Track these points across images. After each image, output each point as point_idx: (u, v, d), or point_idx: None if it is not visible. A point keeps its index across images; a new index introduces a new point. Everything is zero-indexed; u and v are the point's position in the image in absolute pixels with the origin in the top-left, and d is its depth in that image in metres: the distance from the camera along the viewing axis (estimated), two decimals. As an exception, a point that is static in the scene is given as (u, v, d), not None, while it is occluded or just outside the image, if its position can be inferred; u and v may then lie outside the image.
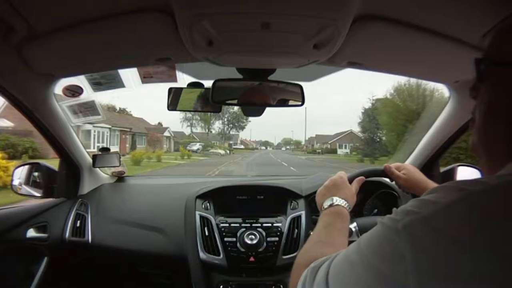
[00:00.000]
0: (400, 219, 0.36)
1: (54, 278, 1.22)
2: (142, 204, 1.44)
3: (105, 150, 1.52)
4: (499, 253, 0.31)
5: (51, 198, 1.33)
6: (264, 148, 53.50)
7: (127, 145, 20.28)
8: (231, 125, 39.85)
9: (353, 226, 1.07)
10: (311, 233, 0.67)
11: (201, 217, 1.26)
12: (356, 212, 1.22)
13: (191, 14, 0.68)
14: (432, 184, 0.84)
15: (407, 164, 0.91)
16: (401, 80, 18.42)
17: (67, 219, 1.29)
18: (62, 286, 1.35)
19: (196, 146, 27.99)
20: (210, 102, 1.02)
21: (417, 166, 1.19)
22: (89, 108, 1.28)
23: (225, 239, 1.21)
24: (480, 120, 0.44)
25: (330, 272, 0.42)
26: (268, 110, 1.09)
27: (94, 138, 16.12)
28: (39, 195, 1.31)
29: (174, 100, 1.12)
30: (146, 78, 1.13)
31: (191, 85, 1.12)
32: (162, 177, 2.20)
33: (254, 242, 1.19)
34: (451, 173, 1.39)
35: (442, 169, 1.42)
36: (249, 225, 1.24)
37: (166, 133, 27.15)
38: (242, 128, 41.01)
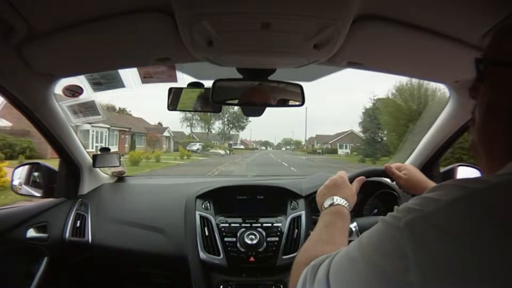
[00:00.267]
0: (402, 217, 0.36)
1: (54, 278, 1.22)
2: (142, 204, 1.44)
3: (105, 150, 1.52)
4: (499, 251, 0.31)
5: (51, 198, 1.33)
6: (264, 148, 53.50)
7: (126, 145, 20.22)
8: (231, 125, 39.87)
9: (353, 226, 1.07)
10: (311, 232, 0.67)
11: (201, 217, 1.27)
12: (356, 212, 1.22)
13: (191, 14, 0.68)
14: (433, 185, 0.83)
15: (407, 165, 0.91)
16: (402, 79, 18.41)
17: (67, 219, 1.29)
18: (62, 286, 1.35)
19: (196, 146, 27.98)
20: (210, 102, 1.02)
21: (417, 166, 1.19)
22: (89, 108, 1.28)
23: (225, 239, 1.21)
24: (480, 119, 0.44)
25: (330, 269, 0.42)
26: (268, 110, 1.09)
27: (92, 138, 16.04)
28: (39, 195, 1.31)
29: (174, 100, 1.12)
30: (146, 78, 1.13)
31: (191, 85, 1.12)
32: (162, 177, 2.20)
33: (254, 242, 1.19)
34: (451, 173, 1.39)
35: (442, 169, 1.42)
36: (249, 225, 1.24)
37: (166, 133, 27.14)
38: (242, 128, 41.09)
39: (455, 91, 1.13)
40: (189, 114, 35.18)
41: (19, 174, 1.32)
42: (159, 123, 31.85)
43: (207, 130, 39.35)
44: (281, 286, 1.20)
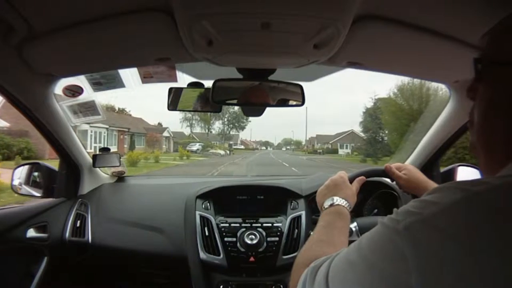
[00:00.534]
0: (401, 220, 0.36)
1: (54, 278, 1.22)
2: (142, 204, 1.44)
3: (105, 150, 1.52)
4: (500, 254, 0.31)
5: (51, 198, 1.33)
6: (264, 148, 53.42)
7: (126, 146, 20.18)
8: (231, 125, 39.85)
9: (353, 226, 1.07)
10: (312, 233, 0.67)
11: (201, 217, 1.27)
12: (356, 212, 1.22)
13: (191, 14, 0.69)
14: (433, 185, 0.83)
15: (407, 165, 0.91)
16: (404, 78, 18.35)
17: (67, 219, 1.29)
18: (62, 286, 1.35)
19: (196, 147, 27.94)
20: (210, 102, 1.02)
21: (417, 166, 1.19)
22: (89, 108, 1.28)
23: (225, 239, 1.21)
24: (479, 120, 0.44)
25: (330, 272, 0.42)
26: (268, 110, 1.09)
27: (91, 138, 15.94)
28: (39, 195, 1.31)
29: (174, 100, 1.12)
30: (146, 78, 1.13)
31: (191, 85, 1.12)
32: (162, 177, 2.20)
33: (254, 242, 1.19)
34: (451, 173, 1.39)
35: (442, 169, 1.42)
36: (249, 225, 1.24)
37: (166, 133, 27.10)
38: (242, 128, 41.05)
39: (455, 91, 1.13)
40: (189, 114, 35.20)
41: (19, 174, 1.32)
42: (159, 123, 31.83)
43: (207, 130, 39.35)
44: (281, 286, 1.20)
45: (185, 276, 1.20)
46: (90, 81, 1.13)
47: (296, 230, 1.23)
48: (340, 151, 32.43)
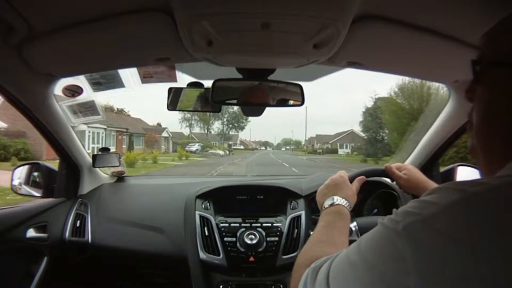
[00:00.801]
0: (400, 221, 0.36)
1: (54, 278, 1.22)
2: (142, 204, 1.44)
3: (105, 150, 1.52)
4: (500, 254, 0.31)
5: (51, 198, 1.33)
6: (264, 148, 53.43)
7: (124, 146, 20.12)
8: (231, 126, 39.84)
9: (353, 225, 1.07)
10: (312, 233, 0.67)
11: (201, 217, 1.27)
12: (356, 212, 1.22)
13: (191, 14, 0.69)
14: (433, 185, 0.83)
15: (407, 165, 0.91)
16: (405, 77, 18.32)
17: (67, 219, 1.29)
18: (62, 286, 1.35)
19: (195, 147, 27.92)
20: (210, 102, 1.02)
21: (416, 166, 1.19)
22: (89, 108, 1.28)
23: (225, 239, 1.21)
24: (478, 121, 0.44)
25: (331, 272, 0.42)
26: (268, 110, 1.09)
27: (89, 138, 15.85)
28: (39, 195, 1.31)
29: (174, 100, 1.12)
30: (146, 78, 1.13)
31: (191, 85, 1.12)
32: (162, 177, 2.20)
33: (254, 242, 1.19)
34: (451, 173, 1.39)
35: (442, 169, 1.42)
36: (249, 225, 1.24)
37: (165, 134, 27.07)
38: (242, 128, 41.04)
39: (455, 91, 1.13)
40: (188, 115, 35.23)
41: (19, 174, 1.32)
42: (158, 124, 31.82)
43: (206, 131, 39.34)
44: (281, 286, 1.20)
45: (185, 276, 1.20)
46: (90, 81, 1.13)
47: (296, 230, 1.23)
48: (340, 151, 32.45)
